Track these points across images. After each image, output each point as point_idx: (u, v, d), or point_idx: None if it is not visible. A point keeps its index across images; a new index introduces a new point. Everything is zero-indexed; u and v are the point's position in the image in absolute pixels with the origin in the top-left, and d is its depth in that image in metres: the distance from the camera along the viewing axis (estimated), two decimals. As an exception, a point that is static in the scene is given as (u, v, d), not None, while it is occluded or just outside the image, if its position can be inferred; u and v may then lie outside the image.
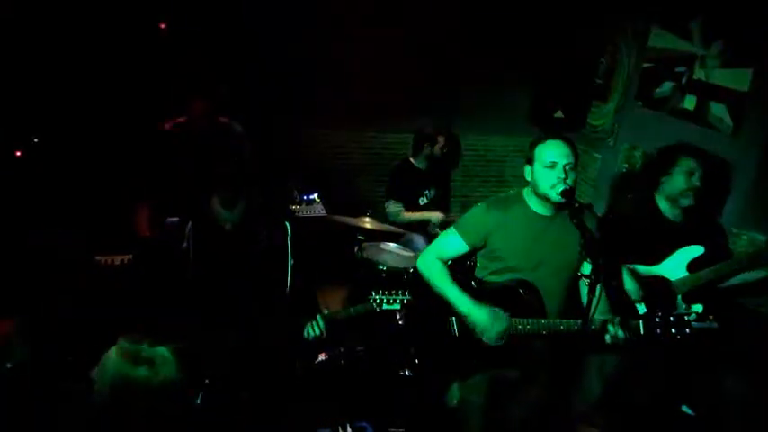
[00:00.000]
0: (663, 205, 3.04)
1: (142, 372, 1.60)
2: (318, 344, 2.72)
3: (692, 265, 2.90)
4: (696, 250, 2.91)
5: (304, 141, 4.87)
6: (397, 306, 2.63)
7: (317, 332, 2.62)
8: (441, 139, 4.54)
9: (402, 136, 4.97)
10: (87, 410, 1.67)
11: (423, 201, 4.58)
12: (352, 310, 2.67)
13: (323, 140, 4.99)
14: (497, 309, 2.50)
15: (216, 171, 2.67)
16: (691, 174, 2.95)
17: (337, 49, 4.60)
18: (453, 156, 5.13)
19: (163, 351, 1.66)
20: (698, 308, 2.86)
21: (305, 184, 4.21)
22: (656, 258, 2.95)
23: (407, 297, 2.62)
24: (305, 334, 2.63)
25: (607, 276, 2.31)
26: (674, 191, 2.98)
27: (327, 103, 4.73)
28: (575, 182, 2.39)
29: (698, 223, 3.08)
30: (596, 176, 4.85)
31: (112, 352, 1.66)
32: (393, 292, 2.63)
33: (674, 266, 2.92)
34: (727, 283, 2.90)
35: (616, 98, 4.66)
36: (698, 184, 2.96)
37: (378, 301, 2.62)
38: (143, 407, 1.60)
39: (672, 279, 2.91)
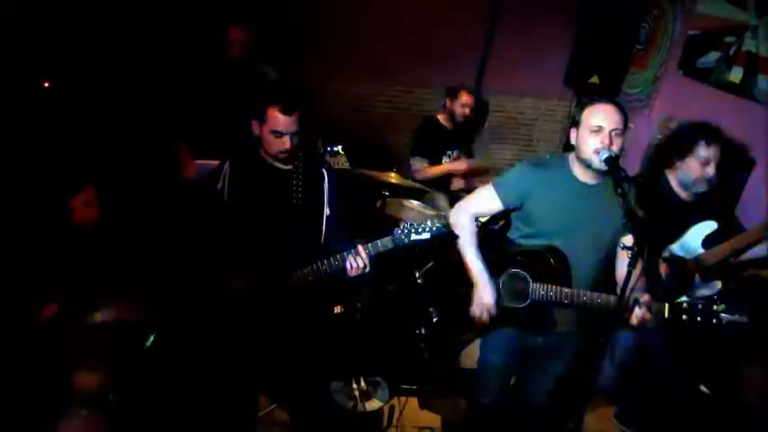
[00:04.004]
0: (675, 185, 2.91)
1: None
2: (361, 281, 2.60)
3: (707, 242, 2.81)
4: (709, 226, 2.82)
5: (330, 94, 4.77)
6: (427, 236, 2.46)
7: (360, 264, 2.49)
8: (463, 97, 4.33)
9: (429, 91, 4.87)
10: None
11: (445, 160, 4.50)
12: (379, 243, 2.52)
13: (349, 93, 4.90)
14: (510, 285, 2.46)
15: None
16: (706, 163, 2.79)
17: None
18: (479, 117, 4.96)
19: None
20: (716, 285, 2.78)
21: (329, 135, 4.15)
22: (671, 237, 2.86)
23: (437, 226, 2.45)
24: (347, 266, 2.50)
25: (649, 251, 2.24)
26: (687, 178, 2.84)
27: (354, 55, 4.62)
28: (621, 150, 2.29)
29: (710, 199, 2.95)
30: (626, 146, 4.72)
31: None
32: (421, 223, 2.46)
33: (690, 244, 2.84)
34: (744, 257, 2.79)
35: (656, 66, 4.49)
36: (711, 174, 2.80)
37: (405, 232, 2.46)
38: None
39: (687, 258, 2.83)
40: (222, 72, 3.69)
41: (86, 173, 2.46)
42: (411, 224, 2.47)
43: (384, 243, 2.50)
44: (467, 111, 4.35)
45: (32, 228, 2.45)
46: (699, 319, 2.21)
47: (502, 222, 2.73)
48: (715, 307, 2.20)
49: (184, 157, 3.61)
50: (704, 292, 2.33)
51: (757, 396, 3.06)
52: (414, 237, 2.46)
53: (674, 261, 2.83)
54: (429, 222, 2.46)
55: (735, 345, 2.95)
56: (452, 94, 4.37)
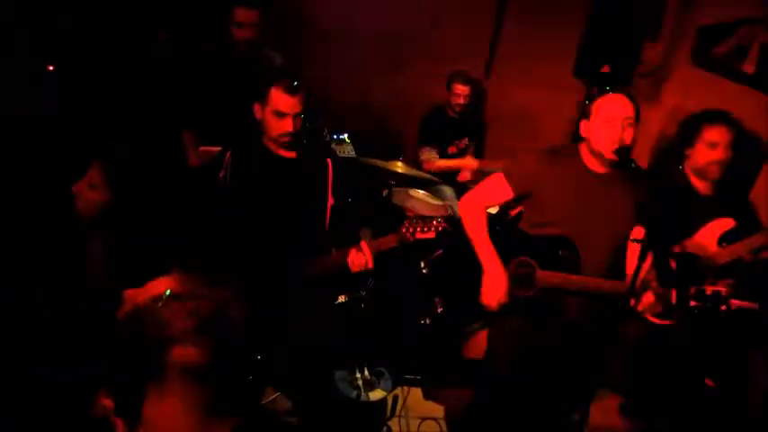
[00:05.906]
0: (692, 177, 2.91)
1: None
2: (365, 275, 2.63)
3: (723, 240, 2.78)
4: (727, 223, 2.79)
5: (336, 82, 4.74)
6: (432, 234, 2.49)
7: (363, 261, 2.50)
8: (457, 87, 4.32)
9: (436, 80, 4.77)
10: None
11: (452, 150, 4.48)
12: (383, 240, 2.54)
13: (353, 81, 4.86)
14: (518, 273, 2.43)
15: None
16: (714, 145, 2.79)
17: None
18: (482, 107, 4.96)
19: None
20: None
21: (335, 124, 4.13)
22: (686, 232, 2.82)
23: (443, 226, 2.48)
24: (350, 262, 2.52)
25: (660, 244, 2.23)
26: (698, 163, 2.85)
27: (360, 44, 4.59)
28: (632, 140, 2.28)
29: (729, 195, 2.95)
30: (636, 137, 4.68)
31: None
32: (426, 220, 2.48)
33: (704, 241, 2.80)
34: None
35: (668, 56, 4.43)
36: (722, 156, 2.80)
37: (411, 231, 2.48)
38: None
39: (700, 254, 2.78)
40: (227, 57, 3.66)
41: (88, 156, 2.41)
42: (417, 221, 2.46)
43: (388, 241, 2.49)
44: (460, 100, 4.33)
45: (34, 223, 2.42)
46: (708, 304, 2.20)
47: (515, 214, 2.72)
48: (724, 294, 2.18)
49: (190, 143, 3.59)
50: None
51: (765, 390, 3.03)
52: (419, 236, 2.46)
53: (686, 257, 2.80)
54: (434, 222, 2.45)
55: (742, 335, 2.92)
56: (448, 83, 4.35)
